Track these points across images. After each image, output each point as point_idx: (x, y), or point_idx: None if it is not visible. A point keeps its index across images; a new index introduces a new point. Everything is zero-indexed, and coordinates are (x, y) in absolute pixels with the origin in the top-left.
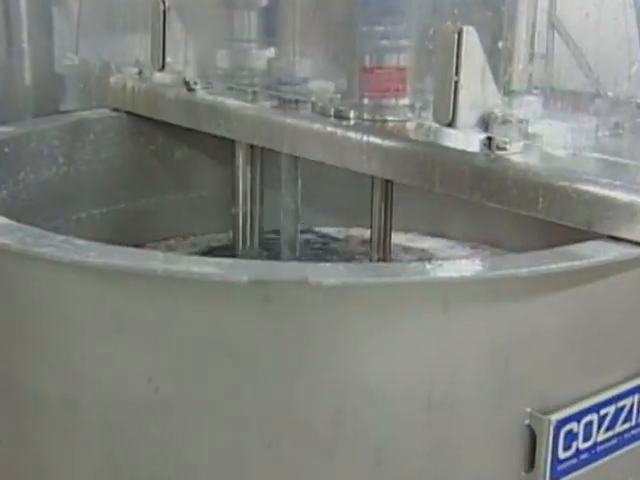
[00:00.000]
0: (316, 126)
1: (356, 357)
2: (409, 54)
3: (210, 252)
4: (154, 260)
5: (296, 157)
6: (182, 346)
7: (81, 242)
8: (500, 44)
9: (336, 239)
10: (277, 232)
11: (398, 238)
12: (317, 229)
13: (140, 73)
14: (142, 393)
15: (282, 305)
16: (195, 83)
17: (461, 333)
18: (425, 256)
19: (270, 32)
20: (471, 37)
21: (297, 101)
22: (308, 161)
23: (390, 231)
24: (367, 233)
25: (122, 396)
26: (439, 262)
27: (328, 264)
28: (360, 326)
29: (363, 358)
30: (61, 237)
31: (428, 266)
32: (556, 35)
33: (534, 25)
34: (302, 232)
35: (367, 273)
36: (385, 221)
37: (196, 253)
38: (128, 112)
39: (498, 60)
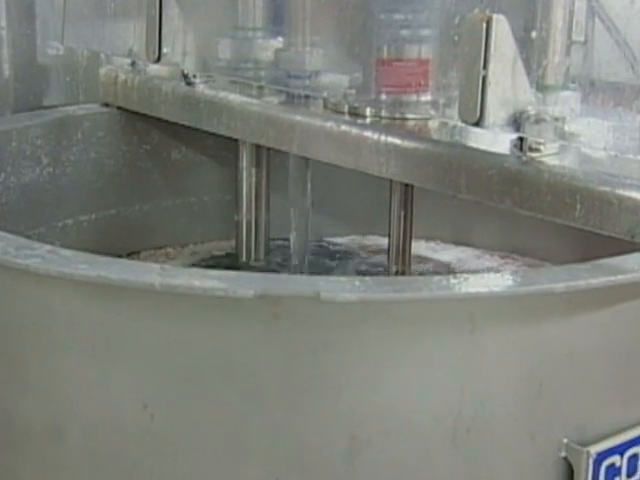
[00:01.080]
0: (328, 124)
1: (373, 381)
2: (432, 45)
3: (211, 262)
4: (151, 273)
5: (306, 159)
6: (181, 369)
7: (69, 253)
8: (533, 34)
9: (349, 249)
10: (285, 241)
11: (419, 247)
12: (328, 238)
13: (133, 64)
14: (136, 421)
15: (292, 323)
16: (194, 76)
17: (490, 355)
18: (449, 267)
19: (278, 20)
20: (501, 26)
21: (307, 97)
22: (319, 163)
23: (410, 240)
24: (383, 242)
25: (114, 425)
26: (465, 276)
27: (342, 278)
28: (378, 347)
29: (381, 382)
30: (47, 247)
31: (453, 280)
32: (597, 22)
33: (572, 12)
34: (312, 241)
35: (385, 288)
36: (404, 229)
37: (197, 263)
38: (120, 108)
39: (531, 51)
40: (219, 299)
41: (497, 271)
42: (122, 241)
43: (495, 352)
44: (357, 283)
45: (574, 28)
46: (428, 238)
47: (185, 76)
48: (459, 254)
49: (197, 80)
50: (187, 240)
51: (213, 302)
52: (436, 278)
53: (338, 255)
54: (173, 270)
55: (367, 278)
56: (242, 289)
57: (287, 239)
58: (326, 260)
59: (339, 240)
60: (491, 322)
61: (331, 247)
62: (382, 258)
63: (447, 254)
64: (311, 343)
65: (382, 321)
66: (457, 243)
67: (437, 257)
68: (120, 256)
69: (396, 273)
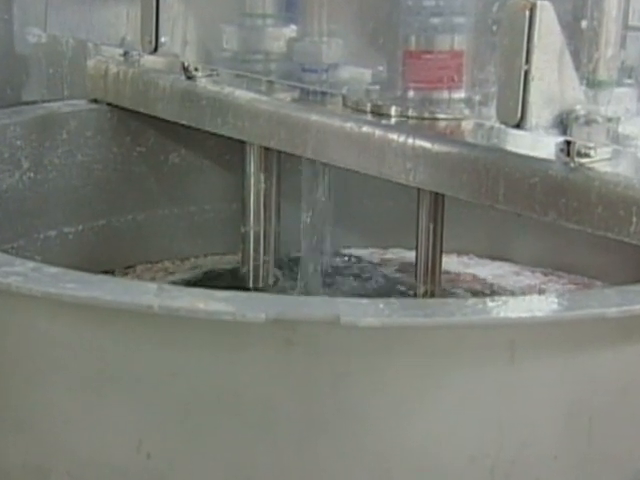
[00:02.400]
0: (348, 125)
1: (399, 416)
2: (466, 35)
3: (215, 278)
4: (148, 294)
5: (322, 164)
6: (182, 401)
7: (55, 270)
8: (584, 22)
9: (370, 264)
10: (297, 254)
11: (450, 262)
12: (347, 251)
13: (126, 55)
14: (130, 461)
15: (308, 351)
16: (196, 69)
17: (532, 388)
18: (484, 286)
19: (291, 5)
20: (546, 14)
21: (324, 93)
22: (337, 169)
23: (440, 256)
24: (408, 255)
25: (105, 464)
26: (504, 298)
27: (364, 300)
28: (405, 378)
29: (408, 418)
30: (30, 263)
31: (490, 303)
32: None
33: None
34: (328, 255)
35: (413, 312)
36: (434, 243)
37: (198, 279)
38: (110, 104)
39: (581, 43)
40: (226, 324)
41: (540, 291)
42: (113, 256)
43: (538, 385)
44: (381, 306)
45: (630, 15)
46: (460, 252)
47: (185, 69)
48: (496, 270)
49: (199, 74)
50: (187, 254)
51: (219, 327)
52: (471, 301)
53: (358, 271)
54: (173, 290)
55: (393, 300)
56: (252, 312)
57: (300, 253)
58: (344, 277)
59: (358, 253)
60: (533, 351)
61: (350, 262)
62: (407, 274)
63: (482, 270)
64: (330, 374)
65: (410, 349)
66: (493, 258)
67: (471, 273)
68: (111, 272)
69: (425, 294)
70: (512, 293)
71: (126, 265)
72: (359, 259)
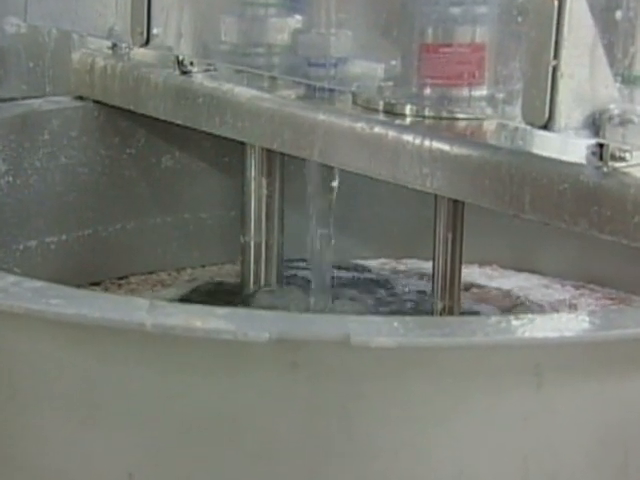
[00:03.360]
0: (359, 125)
1: (416, 446)
2: (489, 27)
3: (212, 292)
4: (140, 310)
5: (330, 167)
6: (177, 429)
7: (39, 284)
8: (618, 13)
9: (382, 276)
10: (302, 264)
11: (471, 273)
12: (357, 262)
13: (114, 48)
14: None
15: (314, 373)
16: (192, 64)
17: (561, 416)
18: (509, 300)
19: None
20: (577, 4)
21: (332, 90)
22: (345, 173)
23: (460, 268)
24: (423, 267)
25: None
26: (530, 316)
27: (377, 318)
28: (421, 404)
29: (424, 448)
30: (11, 277)
31: (515, 321)
32: None
33: None
34: (336, 266)
35: (431, 331)
36: (453, 254)
37: (195, 293)
38: (97, 102)
39: (615, 36)
40: (225, 344)
41: (570, 306)
42: (100, 268)
43: (568, 413)
44: (395, 324)
45: None
46: (483, 262)
47: (180, 63)
48: (522, 282)
49: (195, 69)
50: (182, 265)
51: (218, 347)
52: (494, 319)
53: (369, 285)
54: (167, 307)
55: (408, 318)
56: (254, 331)
57: (305, 264)
58: (354, 292)
59: (369, 265)
60: (563, 375)
61: (360, 274)
62: (422, 284)
63: (507, 282)
64: (339, 399)
65: (427, 373)
66: (519, 269)
67: (494, 285)
68: (99, 284)
69: (443, 310)
70: (540, 308)
71: (115, 277)
72: (370, 271)
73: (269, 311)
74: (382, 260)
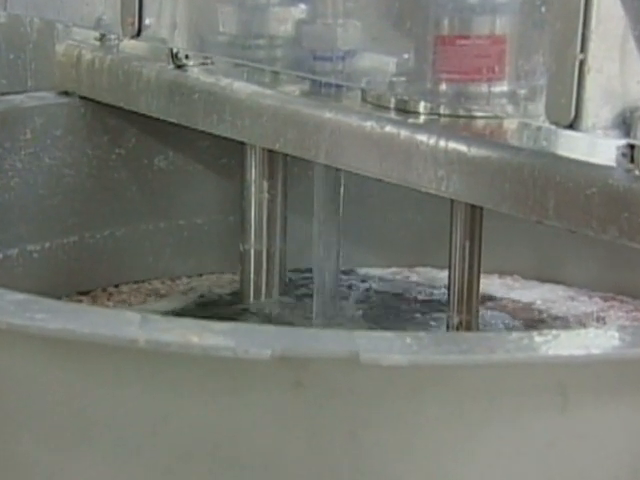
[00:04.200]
0: (368, 124)
1: (430, 474)
2: (510, 17)
3: (209, 303)
4: (131, 325)
5: (337, 170)
6: (171, 453)
7: (21, 297)
8: None
9: (393, 286)
10: (307, 274)
11: (490, 284)
12: (366, 271)
13: (103, 39)
14: None
15: (321, 394)
16: (187, 57)
17: (588, 442)
18: (532, 314)
19: None
20: None
21: (340, 86)
22: (354, 176)
23: (478, 278)
24: (438, 276)
25: None
26: (554, 332)
27: (388, 333)
28: (437, 428)
29: (441, 476)
30: None
31: (538, 337)
32: None
33: None
34: (344, 274)
35: (447, 348)
36: (471, 264)
37: (191, 303)
38: (84, 98)
39: None
40: (224, 361)
41: (598, 319)
42: (87, 278)
43: (596, 438)
44: (408, 340)
45: None
46: (503, 272)
47: (174, 57)
48: (546, 294)
49: (190, 62)
50: (178, 272)
51: (216, 365)
52: (515, 335)
53: (379, 297)
54: (161, 321)
55: (422, 334)
56: (256, 348)
57: (309, 274)
58: (363, 304)
59: (380, 274)
60: (590, 396)
61: (370, 285)
62: (438, 300)
63: (529, 294)
64: (347, 422)
65: (442, 393)
66: (543, 279)
67: (515, 297)
68: (85, 293)
69: (460, 325)
70: (565, 322)
71: (104, 287)
72: (381, 281)
73: (271, 326)
74: (393, 269)
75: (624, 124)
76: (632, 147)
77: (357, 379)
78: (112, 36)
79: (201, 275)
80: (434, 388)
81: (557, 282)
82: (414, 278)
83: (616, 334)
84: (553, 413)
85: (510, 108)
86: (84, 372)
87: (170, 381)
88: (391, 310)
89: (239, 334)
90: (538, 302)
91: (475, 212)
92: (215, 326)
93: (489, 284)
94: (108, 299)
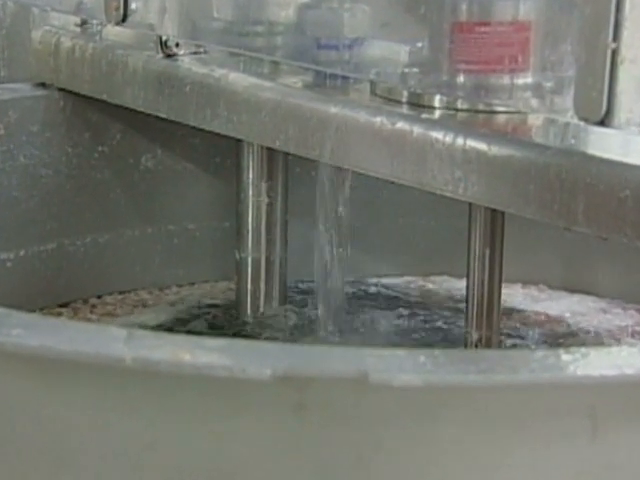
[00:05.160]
0: (378, 120)
1: None
2: (534, 2)
3: (201, 316)
4: (117, 342)
5: (343, 170)
6: None
7: None
8: None
9: (406, 298)
10: (309, 285)
11: (513, 294)
12: (376, 281)
13: (84, 25)
14: None
15: (325, 417)
16: (177, 45)
17: (621, 471)
18: (559, 328)
19: None
20: None
21: (347, 77)
22: (362, 177)
23: (499, 289)
24: (455, 286)
25: None
26: (583, 350)
27: (400, 350)
28: (453, 454)
29: None
30: None
31: (565, 356)
32: None
33: None
34: (352, 285)
35: (464, 367)
36: (491, 273)
37: (181, 315)
38: (63, 90)
39: None
40: (219, 382)
41: (633, 335)
42: (66, 288)
43: (629, 467)
44: (422, 359)
45: None
46: (527, 281)
47: (163, 45)
48: (574, 306)
49: (181, 51)
50: (167, 281)
51: (210, 386)
52: (540, 353)
53: (390, 309)
54: (150, 337)
55: (437, 351)
56: (254, 367)
57: (313, 284)
58: (372, 317)
59: (391, 284)
60: (623, 421)
61: (380, 296)
62: (455, 312)
63: (556, 306)
64: (355, 448)
65: (459, 417)
66: (571, 290)
67: (541, 309)
68: (65, 305)
69: (479, 341)
70: (597, 338)
71: (86, 297)
72: (392, 292)
73: (271, 342)
74: (406, 278)
75: None
76: None
77: (366, 401)
78: (94, 22)
79: (193, 284)
80: (450, 411)
81: (587, 292)
82: (429, 288)
83: None
84: (582, 439)
85: (535, 102)
86: (64, 394)
87: (159, 404)
88: (403, 324)
89: (236, 351)
90: (566, 315)
91: (496, 217)
92: (209, 342)
93: (512, 295)
94: (91, 311)
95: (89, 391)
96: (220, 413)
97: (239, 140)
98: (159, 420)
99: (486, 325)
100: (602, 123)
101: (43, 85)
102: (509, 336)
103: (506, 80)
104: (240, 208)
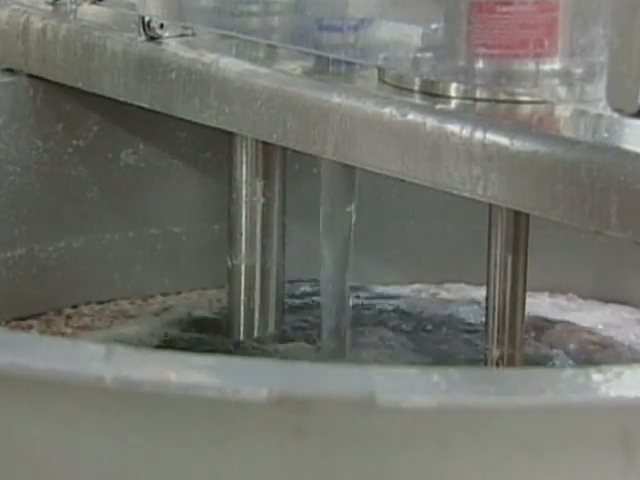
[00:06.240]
0: (387, 111)
1: None
2: None
3: (189, 329)
4: (95, 360)
5: (348, 167)
6: None
7: None
8: None
9: (417, 308)
10: (311, 297)
11: (539, 305)
12: (384, 289)
13: (56, 3)
14: None
15: (327, 443)
16: (162, 26)
17: None
18: (590, 343)
19: None
20: None
21: (352, 63)
22: (369, 174)
23: (524, 298)
24: (473, 295)
25: None
26: (616, 369)
27: (411, 369)
28: None
29: None
30: None
31: (596, 375)
32: None
33: None
34: (357, 293)
35: (483, 387)
36: (514, 282)
37: (167, 327)
38: (33, 76)
39: None
40: (209, 404)
41: None
42: (38, 297)
43: None
44: (436, 378)
45: None
46: (555, 290)
47: (146, 26)
48: (608, 317)
49: (166, 33)
50: (152, 290)
51: (199, 408)
52: (568, 371)
53: (400, 321)
54: (132, 354)
55: (452, 370)
56: (248, 387)
57: (315, 295)
58: (380, 331)
59: (400, 293)
60: None
61: (388, 306)
62: (472, 325)
63: (587, 317)
64: (359, 477)
65: (477, 444)
66: (604, 299)
67: (570, 321)
68: (36, 317)
69: (500, 359)
70: (633, 353)
71: (58, 309)
72: (402, 301)
73: (267, 359)
74: (417, 286)
75: None
76: None
77: (373, 425)
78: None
79: (179, 293)
80: (467, 437)
81: (622, 302)
82: (443, 296)
83: None
84: (614, 468)
85: (563, 91)
86: (38, 417)
87: (142, 428)
88: (414, 339)
89: (227, 370)
90: (599, 327)
91: (519, 219)
92: (198, 360)
93: (537, 305)
94: (66, 324)
95: (64, 414)
96: (210, 439)
97: (231, 133)
98: (142, 446)
99: (508, 340)
100: (638, 115)
101: (10, 71)
102: (534, 353)
103: (531, 66)
104: (232, 209)
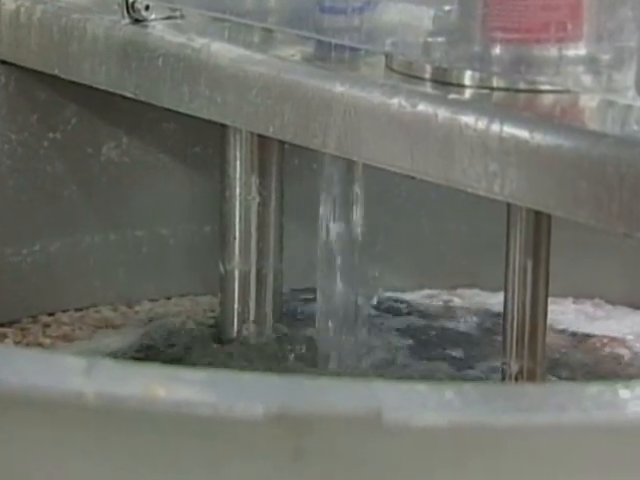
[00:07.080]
0: (395, 102)
1: None
2: None
3: (177, 340)
4: (75, 374)
5: (351, 162)
6: None
7: None
8: None
9: (427, 316)
10: (310, 304)
11: (563, 312)
12: (390, 295)
13: None
14: None
15: (329, 464)
16: (147, 8)
17: None
18: (619, 354)
19: None
20: None
21: (356, 49)
22: (375, 170)
23: (545, 306)
24: (488, 302)
25: None
26: None
27: (421, 384)
28: None
29: None
30: None
31: (624, 391)
32: None
33: None
34: (362, 301)
35: (500, 404)
36: (535, 287)
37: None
38: (5, 63)
39: None
40: (201, 421)
41: None
42: (11, 304)
43: None
44: (449, 394)
45: None
46: (580, 295)
47: (130, 7)
48: (638, 326)
49: (152, 15)
50: (137, 296)
51: (190, 427)
52: (594, 387)
53: (408, 330)
54: (116, 368)
55: (466, 386)
56: (243, 403)
57: (314, 302)
58: (387, 340)
59: (409, 299)
60: None
61: (396, 314)
62: (487, 329)
63: (616, 325)
64: None
65: (494, 465)
66: (635, 306)
67: (597, 330)
68: (10, 325)
69: (519, 373)
70: None
71: (34, 315)
72: (411, 308)
73: (263, 374)
74: (427, 292)
75: None
76: None
77: (379, 445)
78: None
79: (169, 299)
80: (483, 459)
81: None
82: (456, 303)
83: None
84: None
85: (588, 79)
86: (13, 436)
87: (128, 448)
88: (425, 349)
89: (220, 385)
90: (629, 337)
91: (540, 220)
92: (188, 374)
93: (561, 312)
94: (43, 333)
95: (43, 433)
96: (201, 460)
97: (224, 125)
98: (127, 467)
99: (528, 353)
100: None
101: None
102: (556, 366)
103: (553, 52)
104: (225, 209)
